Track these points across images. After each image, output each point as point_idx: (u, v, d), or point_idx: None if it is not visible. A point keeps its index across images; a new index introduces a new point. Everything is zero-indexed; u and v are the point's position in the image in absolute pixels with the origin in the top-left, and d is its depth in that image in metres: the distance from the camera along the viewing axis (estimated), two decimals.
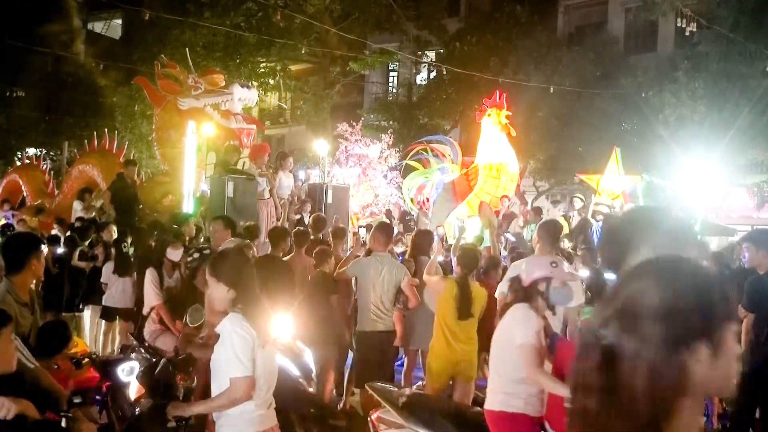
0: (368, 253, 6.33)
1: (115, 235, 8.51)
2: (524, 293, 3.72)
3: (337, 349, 6.41)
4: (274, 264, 6.77)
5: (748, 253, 5.64)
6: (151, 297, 5.64)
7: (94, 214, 11.47)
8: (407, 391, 4.56)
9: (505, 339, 3.67)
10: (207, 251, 5.67)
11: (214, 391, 2.93)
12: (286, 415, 4.34)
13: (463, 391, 5.34)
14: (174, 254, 5.81)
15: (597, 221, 12.37)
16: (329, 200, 10.93)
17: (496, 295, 5.74)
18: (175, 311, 5.40)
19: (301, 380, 4.92)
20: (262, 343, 2.92)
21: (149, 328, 5.59)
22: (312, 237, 7.64)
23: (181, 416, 3.14)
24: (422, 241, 6.65)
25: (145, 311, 5.69)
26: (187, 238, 8.04)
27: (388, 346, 5.76)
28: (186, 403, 3.32)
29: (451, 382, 5.48)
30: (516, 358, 3.56)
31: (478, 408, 3.11)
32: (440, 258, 6.38)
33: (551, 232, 5.23)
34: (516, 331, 3.59)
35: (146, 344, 4.63)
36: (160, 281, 5.70)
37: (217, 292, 2.94)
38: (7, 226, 11.29)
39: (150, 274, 5.67)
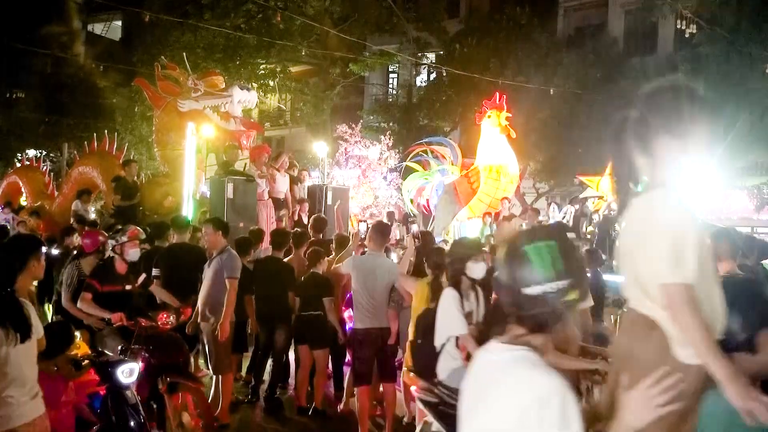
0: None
1: None
2: None
3: (326, 351, 6.54)
4: (276, 265, 6.80)
5: None
6: (456, 324, 4.34)
7: (94, 215, 11.45)
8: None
9: None
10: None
11: None
12: None
13: None
14: (477, 270, 4.50)
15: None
16: (329, 202, 10.94)
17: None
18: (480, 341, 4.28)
19: None
20: (13, 341, 3.10)
21: (447, 364, 4.37)
22: (312, 238, 7.63)
23: None
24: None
25: (439, 343, 4.42)
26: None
27: (384, 343, 5.76)
28: None
29: None
30: None
31: None
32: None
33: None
34: None
35: (442, 383, 4.24)
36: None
37: None
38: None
39: (452, 296, 4.40)
